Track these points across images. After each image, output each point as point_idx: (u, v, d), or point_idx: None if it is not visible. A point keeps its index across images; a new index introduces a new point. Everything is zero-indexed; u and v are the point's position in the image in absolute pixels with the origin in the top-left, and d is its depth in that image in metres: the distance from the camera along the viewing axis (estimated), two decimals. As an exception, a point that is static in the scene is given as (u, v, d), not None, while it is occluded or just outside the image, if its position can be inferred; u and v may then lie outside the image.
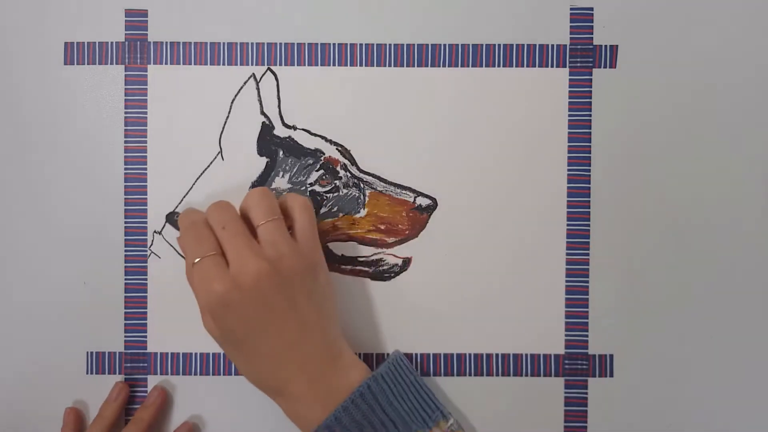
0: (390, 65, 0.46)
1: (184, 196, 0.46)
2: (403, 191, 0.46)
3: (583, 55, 0.46)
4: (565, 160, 0.46)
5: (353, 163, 0.46)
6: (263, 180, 0.46)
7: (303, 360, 0.38)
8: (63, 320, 0.46)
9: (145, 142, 0.46)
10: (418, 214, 0.46)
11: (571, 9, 0.46)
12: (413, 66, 0.45)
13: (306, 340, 0.38)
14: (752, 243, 0.46)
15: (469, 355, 0.46)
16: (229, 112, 0.46)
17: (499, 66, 0.46)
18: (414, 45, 0.45)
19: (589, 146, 0.46)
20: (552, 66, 0.46)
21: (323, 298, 0.40)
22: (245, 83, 0.46)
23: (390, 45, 0.46)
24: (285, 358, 0.38)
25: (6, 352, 0.46)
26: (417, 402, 0.40)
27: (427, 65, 0.45)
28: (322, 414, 0.38)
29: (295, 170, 0.46)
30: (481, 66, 0.46)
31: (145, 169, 0.46)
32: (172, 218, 0.45)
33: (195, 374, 0.46)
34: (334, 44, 0.46)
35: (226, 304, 0.37)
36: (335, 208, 0.46)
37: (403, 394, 0.39)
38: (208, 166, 0.46)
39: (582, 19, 0.46)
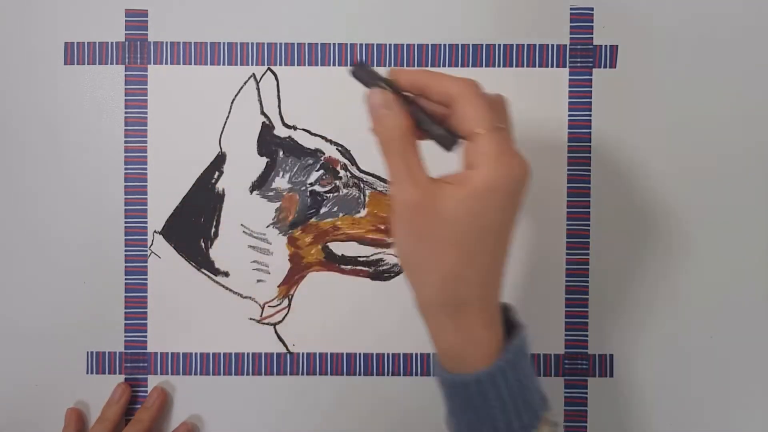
0: (390, 65, 0.45)
1: (184, 196, 0.46)
2: (403, 191, 0.45)
3: (583, 55, 0.46)
4: (565, 160, 0.46)
5: (353, 163, 0.46)
6: (263, 180, 0.46)
7: (491, 285, 0.35)
8: (63, 320, 0.46)
9: (145, 142, 0.46)
10: (418, 214, 0.45)
11: (571, 9, 0.46)
12: (413, 66, 0.45)
13: (502, 264, 0.35)
14: (752, 243, 0.46)
15: (469, 355, 0.46)
16: (229, 112, 0.46)
17: (499, 66, 0.46)
18: (414, 45, 0.45)
19: (589, 146, 0.46)
20: (552, 66, 0.46)
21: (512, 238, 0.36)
22: (245, 83, 0.46)
23: (390, 45, 0.46)
24: (482, 275, 0.34)
25: (7, 353, 0.46)
26: (536, 387, 0.37)
27: (427, 65, 0.45)
28: (493, 348, 0.34)
29: (295, 170, 0.46)
30: (481, 66, 0.46)
31: (145, 169, 0.46)
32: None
33: (195, 374, 0.46)
34: (334, 44, 0.46)
35: (523, 178, 0.34)
36: (335, 208, 0.46)
37: (532, 369, 0.37)
38: (208, 166, 0.46)
39: (582, 19, 0.46)
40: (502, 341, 0.35)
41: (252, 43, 0.46)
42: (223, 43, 0.45)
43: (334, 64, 0.46)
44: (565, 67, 0.46)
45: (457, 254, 0.34)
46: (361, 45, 0.45)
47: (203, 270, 0.46)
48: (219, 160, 0.46)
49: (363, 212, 0.46)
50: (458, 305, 0.35)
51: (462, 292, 0.35)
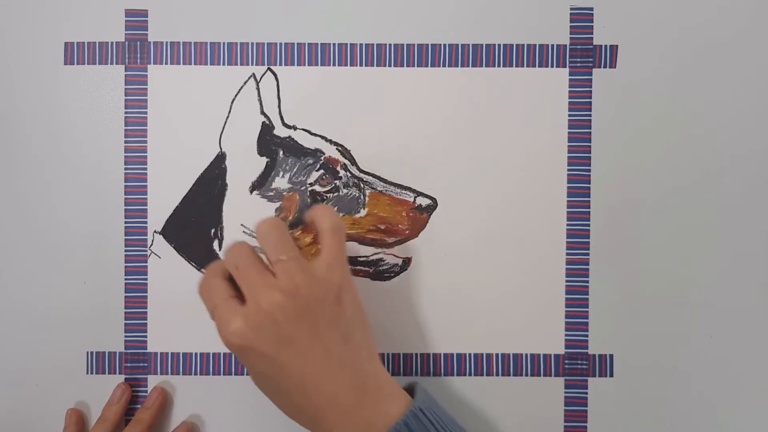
0: (390, 65, 0.46)
1: (184, 196, 0.46)
2: (403, 191, 0.46)
3: (583, 55, 0.46)
4: (565, 160, 0.46)
5: (353, 163, 0.46)
6: (263, 180, 0.46)
7: (333, 392, 0.36)
8: (63, 320, 0.46)
9: (145, 142, 0.46)
10: (418, 214, 0.46)
11: (571, 9, 0.46)
12: (413, 66, 0.46)
13: (334, 372, 0.36)
14: (752, 242, 0.46)
15: (469, 355, 0.46)
16: (229, 112, 0.46)
17: (499, 66, 0.46)
18: (414, 45, 0.46)
19: (589, 146, 0.46)
20: (552, 66, 0.46)
21: (350, 326, 0.37)
22: (245, 83, 0.46)
23: (390, 45, 0.46)
24: (314, 392, 0.36)
25: (6, 353, 0.46)
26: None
27: (427, 65, 0.46)
28: None
29: (295, 170, 0.46)
30: (481, 66, 0.46)
31: (145, 169, 0.46)
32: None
33: (195, 374, 0.46)
34: (334, 44, 0.46)
35: (244, 344, 0.35)
36: (335, 208, 0.46)
37: (440, 427, 0.37)
38: (208, 166, 0.46)
39: (582, 19, 0.46)
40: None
41: (252, 43, 0.46)
42: (223, 43, 0.46)
43: (334, 64, 0.46)
44: (565, 67, 0.46)
45: (264, 392, 0.38)
46: (361, 45, 0.45)
47: (203, 270, 0.46)
48: (219, 160, 0.46)
49: (363, 212, 0.46)
50: (308, 425, 0.38)
51: (300, 420, 0.38)
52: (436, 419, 0.37)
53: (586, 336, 0.46)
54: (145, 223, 0.46)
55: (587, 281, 0.46)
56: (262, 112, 0.46)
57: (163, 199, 0.46)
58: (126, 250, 0.46)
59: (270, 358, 0.35)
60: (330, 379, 0.36)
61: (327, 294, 0.37)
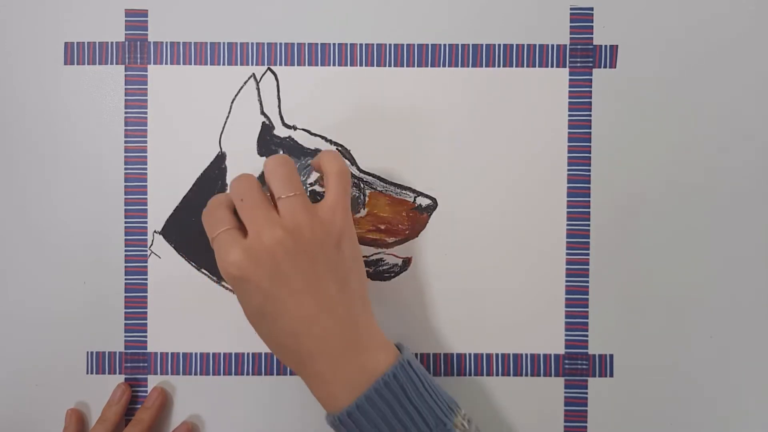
0: (390, 65, 0.46)
1: (184, 196, 0.46)
2: (403, 191, 0.46)
3: (583, 55, 0.46)
4: (565, 160, 0.46)
5: (353, 163, 0.46)
6: (263, 180, 0.45)
7: (324, 336, 0.36)
8: (63, 320, 0.46)
9: (145, 142, 0.46)
10: (418, 214, 0.46)
11: (571, 9, 0.46)
12: (413, 66, 0.46)
13: (326, 315, 0.36)
14: (752, 243, 0.46)
15: (469, 355, 0.46)
16: (229, 112, 0.46)
17: (499, 66, 0.46)
18: (414, 45, 0.46)
19: (589, 146, 0.46)
20: (552, 66, 0.46)
21: (347, 272, 0.37)
22: (245, 83, 0.46)
23: (390, 45, 0.46)
24: (305, 334, 0.36)
25: (6, 353, 0.46)
26: (438, 392, 0.38)
27: (427, 65, 0.46)
28: (347, 396, 0.36)
29: (295, 170, 0.46)
30: (481, 66, 0.46)
31: (145, 169, 0.46)
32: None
33: (195, 374, 0.46)
34: (334, 44, 0.46)
35: (242, 275, 0.35)
36: (335, 208, 0.46)
37: (426, 383, 0.38)
38: (209, 166, 0.46)
39: (582, 19, 0.46)
40: (365, 381, 0.36)
41: (252, 43, 0.46)
42: (223, 43, 0.46)
43: (334, 64, 0.46)
44: (565, 67, 0.46)
45: (256, 329, 0.38)
46: (361, 45, 0.45)
47: (203, 270, 0.46)
48: (219, 160, 0.46)
49: (363, 212, 0.46)
50: (296, 368, 0.38)
51: (289, 362, 0.38)
52: (422, 374, 0.38)
53: (586, 336, 0.46)
54: (145, 223, 0.46)
55: (587, 281, 0.46)
56: (262, 112, 0.46)
57: (163, 199, 0.46)
58: (126, 250, 0.46)
59: (265, 292, 0.36)
60: (321, 322, 0.36)
61: (328, 237, 0.37)
